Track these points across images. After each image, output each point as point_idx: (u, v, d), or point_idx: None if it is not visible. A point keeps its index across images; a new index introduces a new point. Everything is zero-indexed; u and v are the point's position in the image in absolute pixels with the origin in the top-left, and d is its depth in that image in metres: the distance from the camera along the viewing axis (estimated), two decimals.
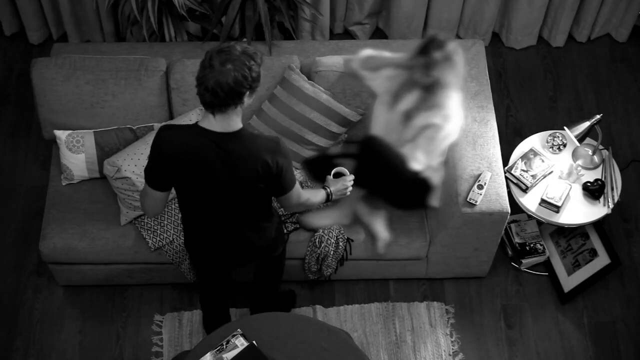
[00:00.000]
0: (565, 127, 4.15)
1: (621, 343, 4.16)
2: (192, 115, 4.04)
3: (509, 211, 3.86)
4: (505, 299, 4.28)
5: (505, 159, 4.28)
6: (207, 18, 4.39)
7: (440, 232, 3.97)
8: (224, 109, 2.96)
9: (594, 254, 4.24)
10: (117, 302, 4.22)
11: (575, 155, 4.27)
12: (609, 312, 4.25)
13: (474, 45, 4.22)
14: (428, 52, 3.44)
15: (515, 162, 4.20)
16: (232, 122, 3.03)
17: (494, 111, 4.09)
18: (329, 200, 3.45)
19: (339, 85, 4.04)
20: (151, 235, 3.95)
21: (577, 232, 4.33)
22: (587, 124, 4.13)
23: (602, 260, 4.21)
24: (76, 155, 4.01)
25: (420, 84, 3.49)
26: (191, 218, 3.33)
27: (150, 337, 4.13)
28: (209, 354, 3.29)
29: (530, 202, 4.15)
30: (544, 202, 4.12)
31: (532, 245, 4.30)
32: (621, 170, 4.44)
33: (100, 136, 4.02)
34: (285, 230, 3.89)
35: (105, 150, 4.02)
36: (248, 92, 2.95)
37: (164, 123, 3.90)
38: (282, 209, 3.89)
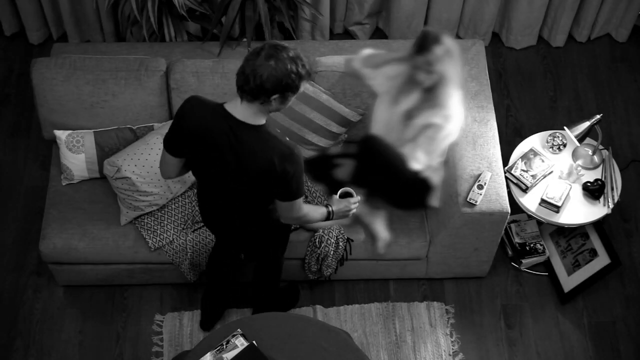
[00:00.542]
0: (565, 127, 4.15)
1: (621, 343, 4.16)
2: None
3: (509, 211, 3.86)
4: (505, 299, 4.28)
5: (505, 159, 4.28)
6: (207, 18, 4.39)
7: (440, 232, 3.97)
8: (251, 100, 2.95)
9: (594, 254, 4.24)
10: (117, 302, 4.21)
11: (575, 155, 4.26)
12: (608, 312, 4.25)
13: (474, 45, 4.21)
14: (428, 48, 3.39)
15: (515, 162, 4.20)
16: (256, 116, 3.01)
17: (494, 111, 4.08)
18: (329, 219, 3.38)
19: (339, 86, 4.04)
20: (151, 235, 3.95)
21: (577, 232, 4.33)
22: (587, 124, 4.13)
23: (602, 260, 4.21)
24: (76, 155, 4.01)
25: (423, 85, 3.48)
26: (201, 189, 3.38)
27: (150, 337, 4.12)
28: (209, 354, 3.29)
29: (530, 202, 4.15)
30: (544, 202, 4.11)
31: (532, 245, 4.30)
32: (621, 170, 4.44)
33: (100, 136, 4.02)
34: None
35: (105, 150, 4.02)
36: (277, 96, 2.93)
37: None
38: None
